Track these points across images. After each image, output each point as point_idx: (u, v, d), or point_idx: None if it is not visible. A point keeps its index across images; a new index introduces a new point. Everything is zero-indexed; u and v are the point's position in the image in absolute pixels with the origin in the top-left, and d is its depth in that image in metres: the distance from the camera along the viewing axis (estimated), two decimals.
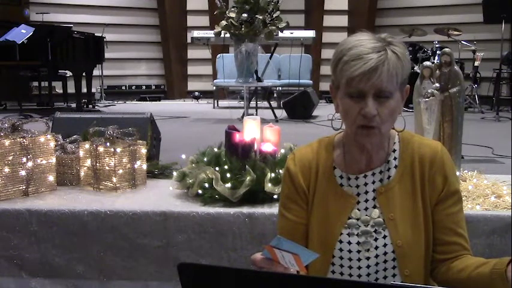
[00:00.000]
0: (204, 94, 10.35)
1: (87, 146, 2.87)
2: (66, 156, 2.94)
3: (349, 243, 1.44)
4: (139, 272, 2.47)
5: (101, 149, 2.77)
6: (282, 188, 1.57)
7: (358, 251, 1.43)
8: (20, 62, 7.33)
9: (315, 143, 1.55)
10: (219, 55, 9.21)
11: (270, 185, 2.48)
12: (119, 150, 2.75)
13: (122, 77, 11.07)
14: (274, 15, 6.00)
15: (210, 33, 7.27)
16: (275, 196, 2.46)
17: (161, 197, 2.68)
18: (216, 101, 9.30)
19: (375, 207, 1.46)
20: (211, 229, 2.42)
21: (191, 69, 11.48)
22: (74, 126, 3.19)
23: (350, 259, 1.44)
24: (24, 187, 2.67)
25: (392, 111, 1.37)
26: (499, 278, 1.27)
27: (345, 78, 1.35)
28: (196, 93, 10.51)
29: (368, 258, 1.43)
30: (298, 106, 7.07)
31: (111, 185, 2.78)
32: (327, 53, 10.50)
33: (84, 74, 8.31)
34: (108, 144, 2.77)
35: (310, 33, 7.83)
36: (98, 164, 2.79)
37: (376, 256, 1.43)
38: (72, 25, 8.33)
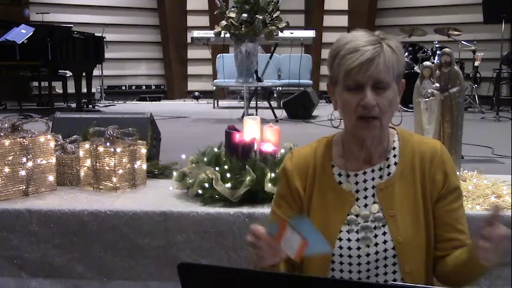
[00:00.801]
0: (204, 94, 10.34)
1: (87, 146, 2.87)
2: (66, 156, 2.94)
3: (349, 240, 1.44)
4: (139, 272, 2.47)
5: (101, 149, 2.77)
6: (277, 185, 1.58)
7: (358, 248, 1.43)
8: (20, 62, 7.33)
9: (314, 143, 1.56)
10: (219, 55, 9.20)
11: (270, 185, 2.48)
12: (118, 150, 2.75)
13: (121, 77, 11.07)
14: (274, 15, 6.00)
15: (210, 33, 7.27)
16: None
17: (161, 197, 2.68)
18: (216, 101, 9.29)
19: (374, 203, 1.46)
20: (211, 229, 2.42)
21: (191, 69, 11.48)
22: (74, 126, 3.19)
23: (350, 256, 1.44)
24: (24, 187, 2.67)
25: (391, 102, 1.39)
26: (469, 254, 1.33)
27: (343, 71, 1.36)
28: (196, 93, 10.50)
29: (368, 255, 1.43)
30: (298, 106, 7.07)
31: (111, 185, 2.78)
32: (327, 53, 10.44)
33: (84, 74, 8.31)
34: (108, 144, 2.77)
35: (310, 33, 7.83)
36: (98, 164, 2.79)
37: (376, 253, 1.43)
38: (72, 25, 8.33)
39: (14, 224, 2.48)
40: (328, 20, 11.09)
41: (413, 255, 1.43)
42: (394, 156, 1.48)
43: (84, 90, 8.39)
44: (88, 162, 2.87)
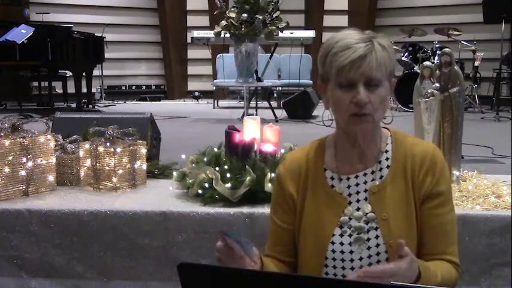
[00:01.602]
0: (204, 94, 10.34)
1: (87, 146, 2.87)
2: (66, 156, 2.94)
3: (342, 244, 1.44)
4: (139, 272, 2.47)
5: (100, 149, 2.77)
6: (272, 191, 1.59)
7: (351, 252, 1.43)
8: (20, 62, 7.34)
9: (307, 146, 1.56)
10: (219, 55, 9.20)
11: (270, 185, 2.47)
12: (118, 150, 2.75)
13: (121, 77, 11.07)
14: (274, 15, 6.00)
15: (210, 33, 7.27)
16: None
17: (161, 197, 2.68)
18: (216, 101, 9.29)
19: (367, 207, 1.45)
20: (211, 229, 2.41)
21: (191, 69, 11.49)
22: (74, 126, 3.19)
23: (343, 260, 1.44)
24: (24, 187, 2.67)
25: (383, 99, 1.39)
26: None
27: (335, 69, 1.36)
28: (196, 93, 10.51)
29: (361, 259, 1.42)
30: (298, 106, 7.07)
31: (111, 185, 2.78)
32: None
33: (84, 74, 8.31)
34: (108, 144, 2.77)
35: (310, 33, 7.83)
36: (97, 164, 2.78)
37: (369, 256, 1.42)
38: (72, 25, 8.34)
39: (14, 224, 2.48)
40: (328, 20, 11.10)
41: None
42: (387, 159, 1.48)
43: (84, 90, 8.39)
44: (88, 162, 2.87)
